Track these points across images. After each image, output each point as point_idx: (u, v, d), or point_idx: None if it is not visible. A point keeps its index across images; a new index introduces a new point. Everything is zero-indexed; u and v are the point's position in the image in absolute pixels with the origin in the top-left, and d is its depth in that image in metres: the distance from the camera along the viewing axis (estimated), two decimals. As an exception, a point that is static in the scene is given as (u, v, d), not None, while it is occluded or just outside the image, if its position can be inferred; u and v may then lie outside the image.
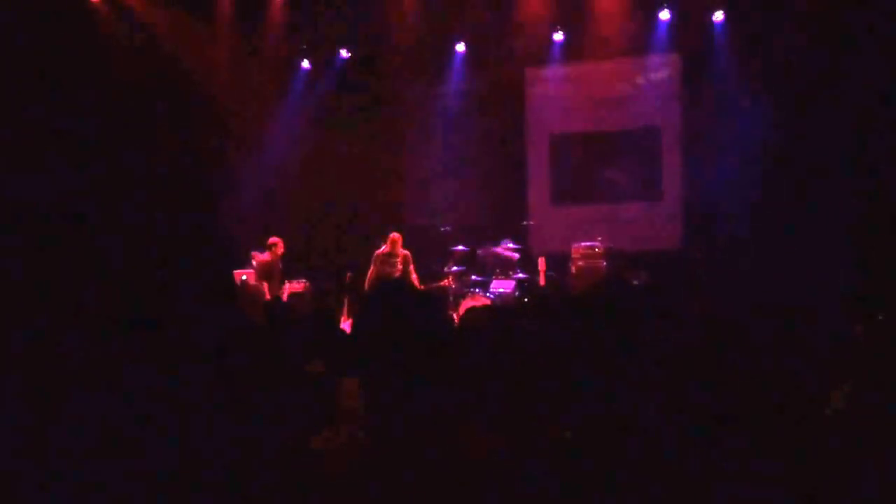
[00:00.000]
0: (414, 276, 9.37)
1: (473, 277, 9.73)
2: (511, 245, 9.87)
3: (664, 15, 10.00)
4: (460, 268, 9.74)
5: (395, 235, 9.34)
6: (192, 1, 10.09)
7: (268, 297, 9.02)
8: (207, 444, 2.43)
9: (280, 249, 9.42)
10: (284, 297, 9.31)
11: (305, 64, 11.33)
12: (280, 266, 9.47)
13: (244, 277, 9.68)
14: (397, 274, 9.19)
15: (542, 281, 9.31)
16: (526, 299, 9.18)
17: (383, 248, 9.36)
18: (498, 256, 9.88)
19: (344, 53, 11.21)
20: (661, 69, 10.54)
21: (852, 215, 8.31)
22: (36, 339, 2.85)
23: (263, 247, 9.69)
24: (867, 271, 7.41)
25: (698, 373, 2.66)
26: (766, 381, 2.46)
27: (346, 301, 9.47)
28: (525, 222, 10.46)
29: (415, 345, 1.69)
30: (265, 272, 9.34)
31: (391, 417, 1.67)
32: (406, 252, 9.40)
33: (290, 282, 9.71)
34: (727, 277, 8.69)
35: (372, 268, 9.36)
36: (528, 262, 9.88)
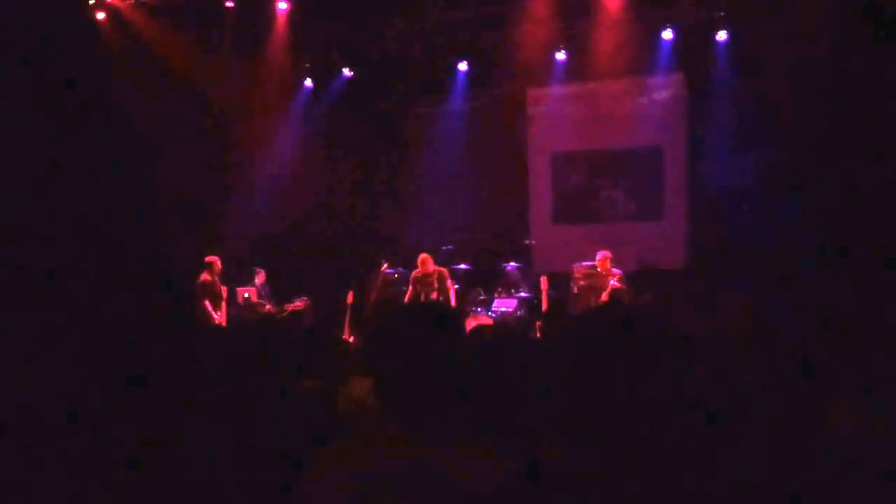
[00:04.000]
0: (452, 293, 9.21)
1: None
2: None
3: (667, 34, 10.01)
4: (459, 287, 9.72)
5: (423, 256, 9.24)
6: (197, 19, 10.14)
7: (213, 315, 8.93)
8: (205, 461, 2.38)
9: (217, 267, 9.21)
10: (222, 318, 9.13)
11: (308, 83, 11.36)
12: (219, 285, 9.22)
13: (246, 295, 9.68)
14: (433, 293, 9.11)
15: (544, 300, 9.26)
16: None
17: (417, 270, 9.29)
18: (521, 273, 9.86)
19: (347, 72, 11.24)
20: (664, 88, 10.56)
21: (858, 236, 8.27)
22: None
23: (263, 263, 9.69)
24: (872, 290, 7.35)
25: (702, 392, 2.61)
26: (770, 402, 2.41)
27: (347, 319, 9.42)
28: (527, 241, 10.43)
29: (429, 362, 1.65)
30: (203, 291, 9.12)
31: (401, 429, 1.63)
32: (440, 269, 9.26)
33: (295, 300, 9.68)
34: (731, 297, 8.63)
35: (409, 288, 9.29)
36: (529, 282, 9.85)
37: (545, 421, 2.18)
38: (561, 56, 10.56)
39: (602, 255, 8.83)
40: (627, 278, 8.83)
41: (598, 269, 8.88)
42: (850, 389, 2.42)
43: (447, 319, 1.74)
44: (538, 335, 8.38)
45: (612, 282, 8.65)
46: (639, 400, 1.82)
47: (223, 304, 9.24)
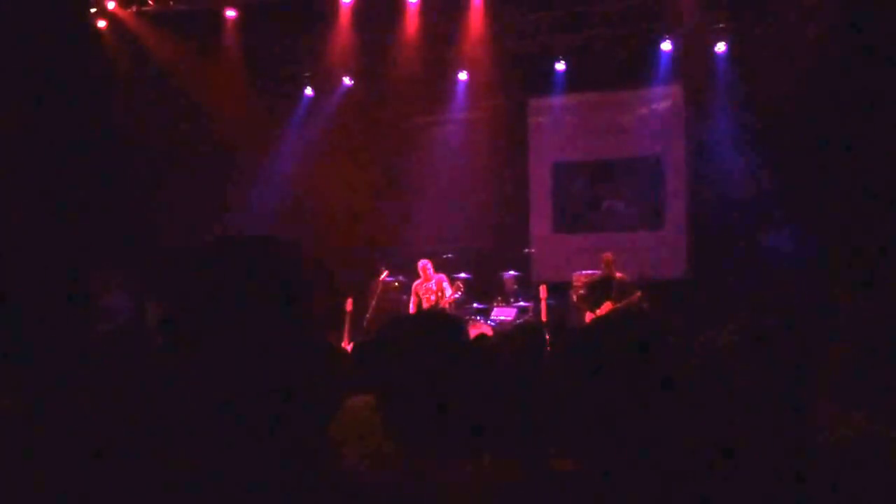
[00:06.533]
0: (447, 299, 9.15)
1: (475, 305, 9.69)
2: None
3: (666, 46, 10.04)
4: (461, 294, 9.69)
5: (422, 263, 9.22)
6: (196, 27, 10.15)
7: None
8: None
9: None
10: None
11: (309, 91, 11.37)
12: None
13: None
14: (433, 299, 9.08)
15: (543, 309, 9.26)
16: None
17: (419, 279, 9.25)
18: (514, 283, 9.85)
19: (347, 81, 11.25)
20: (663, 99, 10.60)
21: (857, 243, 8.29)
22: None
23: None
24: (872, 297, 7.36)
25: (705, 402, 2.60)
26: (770, 408, 2.40)
27: (346, 327, 9.40)
28: (527, 250, 10.42)
29: (431, 371, 1.65)
30: None
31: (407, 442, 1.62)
32: (438, 276, 9.25)
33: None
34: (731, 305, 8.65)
35: (413, 298, 9.27)
36: (529, 290, 9.84)
37: (550, 432, 2.18)
38: (561, 66, 10.58)
39: (604, 257, 8.87)
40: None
41: (604, 271, 8.89)
42: (848, 394, 2.42)
43: (451, 330, 1.73)
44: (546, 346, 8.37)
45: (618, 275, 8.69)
46: (643, 412, 1.81)
47: None
